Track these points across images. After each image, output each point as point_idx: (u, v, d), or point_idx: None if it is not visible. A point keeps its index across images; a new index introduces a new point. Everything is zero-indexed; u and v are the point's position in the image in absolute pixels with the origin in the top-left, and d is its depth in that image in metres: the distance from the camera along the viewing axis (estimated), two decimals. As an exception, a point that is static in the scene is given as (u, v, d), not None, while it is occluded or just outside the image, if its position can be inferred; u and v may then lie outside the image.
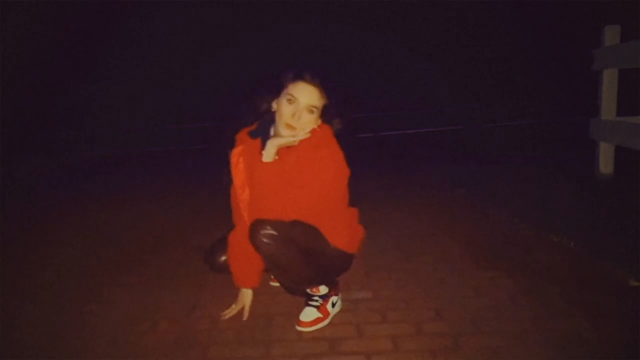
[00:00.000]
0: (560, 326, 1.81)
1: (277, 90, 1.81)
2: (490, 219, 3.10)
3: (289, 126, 1.76)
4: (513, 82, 11.15)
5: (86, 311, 2.08)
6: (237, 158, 1.88)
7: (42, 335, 1.91)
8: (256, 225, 1.70)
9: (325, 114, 1.83)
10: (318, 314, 1.87)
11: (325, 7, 14.03)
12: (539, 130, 7.05)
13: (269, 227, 1.68)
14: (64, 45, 11.22)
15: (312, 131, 1.78)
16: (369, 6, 14.10)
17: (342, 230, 1.89)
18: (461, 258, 2.49)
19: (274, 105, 1.82)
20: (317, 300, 1.88)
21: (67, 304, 2.15)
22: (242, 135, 1.90)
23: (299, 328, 1.85)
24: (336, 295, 1.96)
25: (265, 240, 1.68)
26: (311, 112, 1.77)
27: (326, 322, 1.89)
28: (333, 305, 1.93)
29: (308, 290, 1.89)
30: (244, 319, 1.95)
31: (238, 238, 1.91)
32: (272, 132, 1.83)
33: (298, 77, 1.77)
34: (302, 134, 1.76)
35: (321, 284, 1.89)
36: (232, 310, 1.99)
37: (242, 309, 1.99)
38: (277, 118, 1.79)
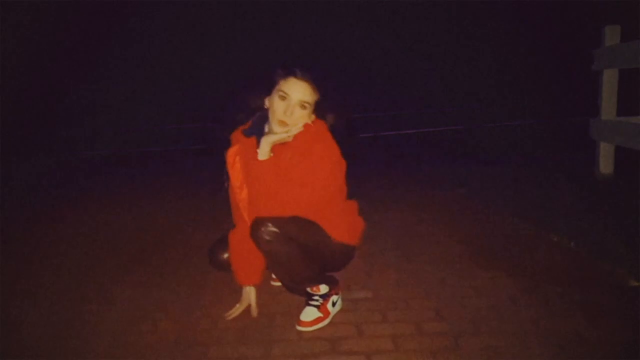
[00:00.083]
0: (560, 326, 1.81)
1: (268, 87, 1.81)
2: (490, 219, 3.10)
3: (282, 122, 1.76)
4: (513, 82, 11.16)
5: (86, 311, 2.08)
6: (233, 158, 1.88)
7: (42, 335, 1.91)
8: (258, 223, 1.70)
9: (319, 109, 1.83)
10: (318, 314, 1.87)
11: (325, 7, 14.04)
12: (539, 130, 7.04)
13: (270, 225, 1.69)
14: (64, 45, 11.23)
15: (306, 126, 1.78)
16: (369, 6, 14.11)
17: (342, 223, 1.89)
18: (461, 258, 2.48)
19: (267, 103, 1.82)
20: (317, 300, 1.89)
21: (67, 304, 2.15)
22: (237, 135, 1.90)
23: (299, 328, 1.86)
24: (336, 294, 1.96)
25: (267, 237, 1.69)
26: (303, 107, 1.77)
27: (326, 321, 1.89)
28: (333, 304, 1.93)
29: (308, 290, 1.89)
30: (254, 315, 1.96)
31: (238, 237, 1.91)
32: (266, 130, 1.84)
33: (289, 73, 1.77)
34: (295, 129, 1.76)
35: (322, 282, 1.90)
36: (237, 310, 1.99)
37: (247, 308, 1.99)
38: (270, 115, 1.80)
